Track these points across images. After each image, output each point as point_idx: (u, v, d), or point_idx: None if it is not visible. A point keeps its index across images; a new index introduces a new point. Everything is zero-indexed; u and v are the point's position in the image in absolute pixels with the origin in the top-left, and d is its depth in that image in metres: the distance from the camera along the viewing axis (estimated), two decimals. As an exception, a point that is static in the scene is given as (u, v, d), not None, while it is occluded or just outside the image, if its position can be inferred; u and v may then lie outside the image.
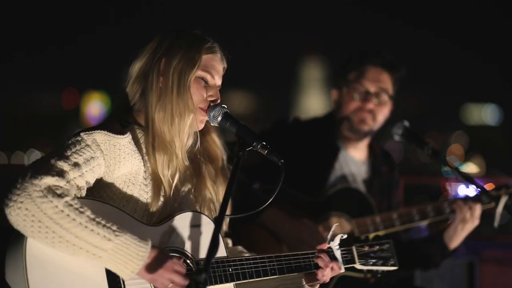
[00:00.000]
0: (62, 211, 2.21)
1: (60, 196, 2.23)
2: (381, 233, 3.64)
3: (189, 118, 2.54)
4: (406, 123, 3.72)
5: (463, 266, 5.07)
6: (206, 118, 2.59)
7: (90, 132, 2.43)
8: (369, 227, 3.63)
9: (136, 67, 2.59)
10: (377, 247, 2.82)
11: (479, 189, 3.46)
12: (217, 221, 2.30)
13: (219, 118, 2.56)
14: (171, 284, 2.32)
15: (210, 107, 2.58)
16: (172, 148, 2.54)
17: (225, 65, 2.67)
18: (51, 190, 2.23)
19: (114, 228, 2.26)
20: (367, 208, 3.75)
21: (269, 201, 2.51)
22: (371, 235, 3.63)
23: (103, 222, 2.26)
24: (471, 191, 3.59)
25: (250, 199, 3.33)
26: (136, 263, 2.27)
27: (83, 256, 2.25)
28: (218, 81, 2.62)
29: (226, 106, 2.60)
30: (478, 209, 3.52)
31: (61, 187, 2.26)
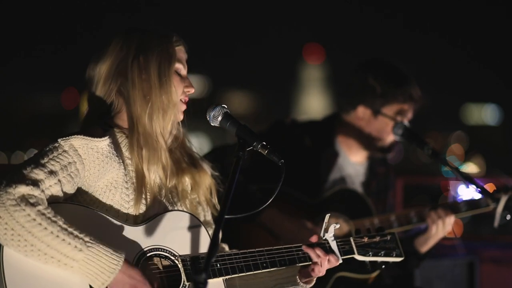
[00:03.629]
0: (34, 219, 2.21)
1: (33, 205, 2.22)
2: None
3: (173, 110, 2.56)
4: (406, 123, 3.72)
5: (463, 266, 5.07)
6: (185, 107, 2.61)
7: (67, 138, 2.42)
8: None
9: (103, 68, 2.56)
10: (378, 238, 2.74)
11: (479, 189, 3.46)
12: (217, 221, 2.29)
13: (219, 118, 2.56)
14: None
15: (210, 107, 2.58)
16: (159, 143, 2.54)
17: (187, 55, 2.69)
18: (24, 199, 2.22)
19: (87, 239, 2.25)
20: (365, 209, 3.74)
21: (270, 201, 2.50)
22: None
23: (75, 232, 2.24)
24: (471, 191, 3.58)
25: (248, 199, 3.33)
26: (107, 275, 2.25)
27: (55, 265, 2.24)
28: (186, 71, 2.65)
29: (226, 106, 2.59)
30: (451, 220, 3.51)
31: (35, 196, 2.25)
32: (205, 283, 2.10)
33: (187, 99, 2.62)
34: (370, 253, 2.70)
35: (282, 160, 2.46)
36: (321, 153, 3.82)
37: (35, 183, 2.27)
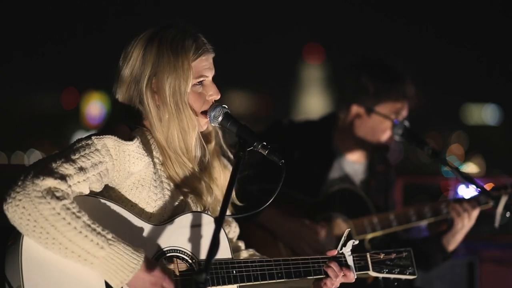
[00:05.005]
0: (59, 213, 2.20)
1: (59, 198, 2.22)
2: (378, 233, 3.64)
3: (195, 132, 2.54)
4: (406, 123, 3.72)
5: (463, 266, 5.07)
6: (206, 120, 2.57)
7: (101, 136, 2.40)
8: (367, 228, 3.63)
9: (126, 73, 2.54)
10: (394, 255, 2.74)
11: (479, 189, 3.46)
12: (217, 221, 2.29)
13: (220, 118, 2.56)
14: None
15: (211, 107, 2.58)
16: (186, 163, 2.54)
17: (213, 54, 2.63)
18: (50, 192, 2.22)
19: (109, 236, 2.25)
20: (364, 208, 3.75)
21: (270, 201, 2.50)
22: (369, 236, 3.64)
23: (98, 229, 2.24)
24: (471, 191, 3.58)
25: (248, 199, 3.33)
26: (126, 274, 2.25)
27: (74, 260, 2.24)
28: (211, 76, 2.60)
29: (226, 106, 2.59)
30: (475, 212, 3.51)
31: (62, 190, 2.25)
32: (205, 283, 2.11)
33: (208, 107, 2.56)
34: (384, 270, 2.72)
35: (283, 160, 2.46)
36: (319, 152, 3.82)
37: (63, 177, 2.25)
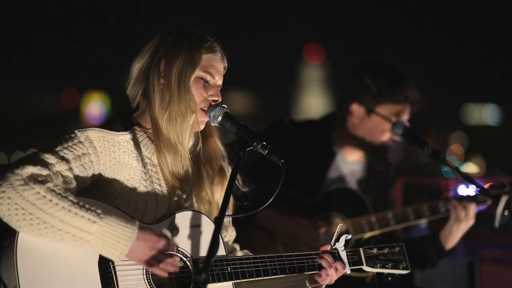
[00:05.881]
0: (44, 196, 2.21)
1: (42, 182, 2.23)
2: (376, 232, 3.65)
3: (191, 118, 2.55)
4: (406, 123, 3.73)
5: (463, 266, 5.08)
6: (207, 119, 2.59)
7: (84, 129, 2.44)
8: (365, 227, 3.64)
9: (136, 68, 2.59)
10: (387, 250, 2.77)
11: (479, 189, 3.46)
12: (217, 221, 2.30)
13: (220, 118, 2.57)
14: (161, 264, 2.31)
15: (211, 106, 2.58)
16: (178, 148, 2.54)
17: (226, 64, 2.66)
18: (32, 178, 2.23)
19: (99, 211, 2.25)
20: (362, 207, 3.75)
21: (270, 201, 2.51)
22: (367, 235, 3.64)
23: (87, 205, 2.24)
24: (471, 191, 3.58)
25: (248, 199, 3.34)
26: (124, 244, 2.25)
27: (70, 241, 2.23)
28: (218, 80, 2.61)
29: (226, 106, 2.60)
30: (472, 208, 3.51)
31: (43, 175, 2.26)
32: (205, 283, 2.11)
33: (206, 105, 2.58)
34: (378, 264, 2.75)
35: (282, 160, 2.47)
36: (319, 152, 3.83)
37: (44, 164, 2.27)
